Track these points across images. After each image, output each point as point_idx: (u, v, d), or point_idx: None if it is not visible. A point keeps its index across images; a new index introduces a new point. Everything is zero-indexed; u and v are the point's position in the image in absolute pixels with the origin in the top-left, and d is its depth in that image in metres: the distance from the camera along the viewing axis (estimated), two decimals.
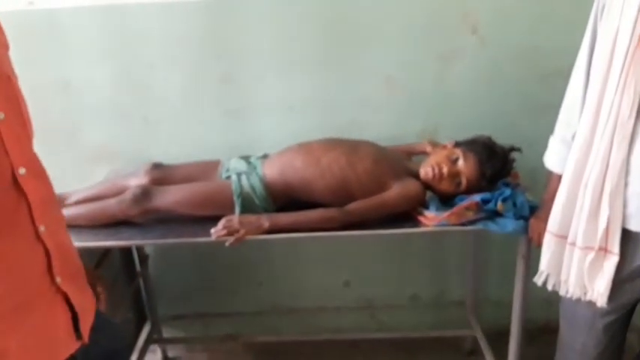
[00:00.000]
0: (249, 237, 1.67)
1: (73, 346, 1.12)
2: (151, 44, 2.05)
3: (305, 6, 2.03)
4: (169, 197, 1.75)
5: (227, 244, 1.66)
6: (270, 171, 1.81)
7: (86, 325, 1.15)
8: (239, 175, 1.81)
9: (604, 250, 1.35)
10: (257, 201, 1.77)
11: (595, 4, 1.40)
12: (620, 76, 1.27)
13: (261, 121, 2.16)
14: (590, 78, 1.40)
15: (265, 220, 1.70)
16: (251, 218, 1.71)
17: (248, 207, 1.76)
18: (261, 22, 2.04)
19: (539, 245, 1.54)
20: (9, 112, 0.97)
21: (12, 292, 0.99)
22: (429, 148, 1.91)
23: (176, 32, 2.05)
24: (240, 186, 1.78)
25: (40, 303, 1.04)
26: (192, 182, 1.83)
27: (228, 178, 1.83)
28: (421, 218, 1.72)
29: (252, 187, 1.78)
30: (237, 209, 1.76)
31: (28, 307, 1.02)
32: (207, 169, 1.92)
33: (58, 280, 1.07)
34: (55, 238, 1.07)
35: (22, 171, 0.99)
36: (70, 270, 1.12)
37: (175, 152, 2.10)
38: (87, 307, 1.16)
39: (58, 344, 1.09)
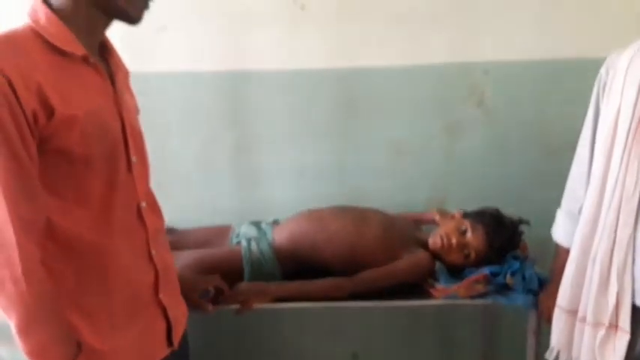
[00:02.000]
0: (257, 305, 1.67)
1: (165, 351, 1.30)
2: (168, 112, 2.12)
3: (317, 79, 2.11)
4: (180, 262, 1.76)
5: (235, 312, 1.66)
6: (280, 237, 1.83)
7: (177, 334, 1.33)
8: (249, 240, 1.83)
9: (615, 327, 1.33)
10: (266, 267, 1.78)
11: (597, 83, 1.46)
12: (623, 154, 1.30)
13: (272, 187, 2.20)
14: (595, 153, 1.43)
15: (274, 288, 1.70)
16: (259, 286, 1.72)
17: (257, 273, 1.77)
18: (275, 92, 2.12)
19: (549, 320, 1.53)
20: (140, 157, 1.22)
21: (128, 301, 1.19)
22: (437, 218, 1.93)
23: (193, 101, 2.13)
24: (250, 252, 1.80)
25: (145, 313, 1.24)
26: (203, 247, 1.86)
27: (239, 243, 1.85)
28: (431, 290, 1.71)
29: (262, 253, 1.79)
30: (246, 275, 1.77)
31: (137, 315, 1.22)
32: (219, 234, 1.94)
33: (161, 295, 1.26)
34: (163, 261, 1.28)
35: (143, 204, 1.22)
36: (171, 287, 1.31)
37: (188, 217, 2.13)
38: (180, 319, 1.35)
39: (155, 348, 1.28)
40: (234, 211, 2.17)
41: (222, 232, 1.95)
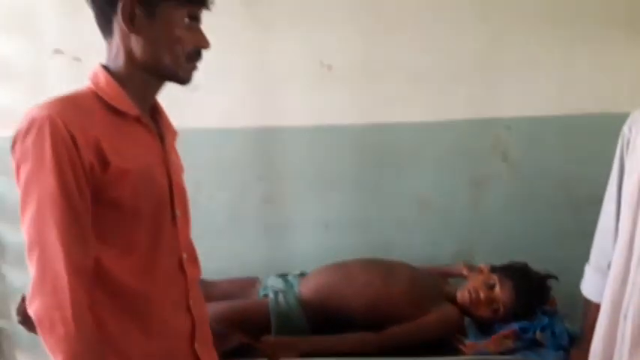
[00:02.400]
0: (285, 359, 1.68)
1: None
2: (199, 166, 2.19)
3: (343, 134, 2.18)
4: (209, 314, 1.78)
5: None
6: (307, 289, 1.85)
7: None
8: (276, 293, 1.85)
9: None
10: (293, 319, 1.79)
11: (620, 139, 1.48)
12: None
13: (299, 239, 2.23)
14: (622, 209, 1.44)
15: (301, 342, 1.71)
16: (287, 340, 1.73)
17: (284, 325, 1.79)
18: (302, 148, 2.19)
19: None
20: (183, 211, 1.28)
21: (166, 350, 1.23)
22: (465, 271, 1.94)
23: (223, 156, 2.21)
24: (277, 304, 1.82)
25: None
26: (231, 299, 1.88)
27: (266, 296, 1.87)
28: (460, 346, 1.71)
29: (289, 306, 1.81)
30: (273, 328, 1.78)
31: None
32: (246, 286, 1.97)
33: (196, 345, 1.29)
34: (199, 311, 1.31)
35: (184, 256, 1.27)
36: (205, 337, 1.34)
37: (215, 267, 2.15)
38: None
39: None
40: (261, 263, 2.20)
41: (249, 284, 1.97)
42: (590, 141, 2.08)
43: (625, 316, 1.35)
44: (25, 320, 1.63)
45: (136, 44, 1.16)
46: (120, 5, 1.13)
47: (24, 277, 2.18)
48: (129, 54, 1.17)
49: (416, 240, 2.20)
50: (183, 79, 1.21)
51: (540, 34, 2.10)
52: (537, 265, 1.89)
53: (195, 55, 1.19)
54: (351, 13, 2.11)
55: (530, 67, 2.12)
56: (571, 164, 2.11)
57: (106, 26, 1.18)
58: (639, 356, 1.32)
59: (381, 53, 2.13)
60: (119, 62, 1.18)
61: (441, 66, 2.13)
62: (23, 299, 1.71)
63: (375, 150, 2.19)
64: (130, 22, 1.14)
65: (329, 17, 2.11)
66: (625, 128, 1.48)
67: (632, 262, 1.35)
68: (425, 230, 2.20)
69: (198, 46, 1.19)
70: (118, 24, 1.15)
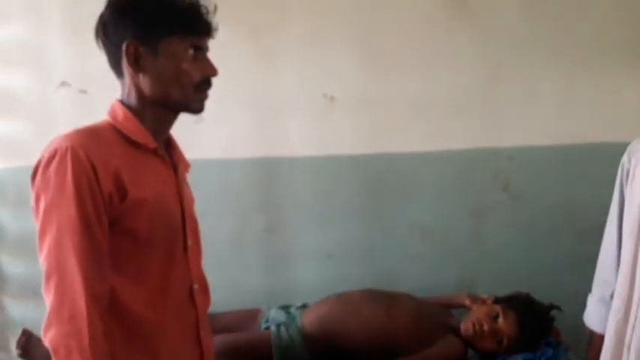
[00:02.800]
0: None
1: None
2: (202, 195, 2.19)
3: (345, 164, 2.20)
4: None
5: None
6: (309, 322, 1.84)
7: None
8: (278, 326, 1.85)
9: None
10: (295, 352, 1.78)
11: (620, 169, 1.49)
12: None
13: (301, 269, 2.23)
14: (623, 239, 1.44)
15: None
16: None
17: (287, 358, 1.77)
18: (305, 177, 2.21)
19: None
20: (195, 241, 1.30)
21: None
22: (467, 302, 1.93)
23: (226, 186, 2.22)
24: (280, 337, 1.81)
25: None
26: (232, 332, 1.87)
27: (268, 328, 1.86)
28: None
29: (291, 339, 1.80)
30: None
31: None
32: (248, 318, 1.96)
33: None
34: (208, 342, 1.32)
35: (195, 286, 1.28)
36: None
37: (216, 298, 2.13)
38: None
39: None
40: (263, 293, 2.19)
41: (251, 316, 1.96)
42: (590, 169, 2.09)
43: (629, 348, 1.34)
44: (25, 354, 1.63)
45: (145, 82, 1.19)
46: (123, 48, 1.16)
47: (24, 310, 2.19)
48: (139, 92, 1.20)
49: (418, 270, 2.19)
50: (196, 110, 1.24)
51: (539, 63, 2.14)
52: (540, 294, 1.89)
53: (204, 85, 1.22)
54: (353, 46, 2.15)
55: (530, 97, 2.15)
56: (572, 193, 2.12)
57: (117, 67, 1.22)
58: None
59: (383, 85, 2.17)
60: (132, 100, 1.22)
61: (442, 97, 2.17)
62: (24, 332, 1.71)
63: (377, 180, 2.20)
64: (135, 62, 1.18)
65: (332, 50, 2.15)
66: (624, 158, 1.49)
67: (634, 293, 1.35)
68: (427, 260, 2.19)
69: (205, 75, 1.21)
70: (125, 65, 1.19)
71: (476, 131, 2.17)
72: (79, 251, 1.09)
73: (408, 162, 2.19)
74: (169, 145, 1.32)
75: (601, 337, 1.47)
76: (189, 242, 1.27)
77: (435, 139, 2.18)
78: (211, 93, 2.21)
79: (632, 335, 1.34)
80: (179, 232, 1.25)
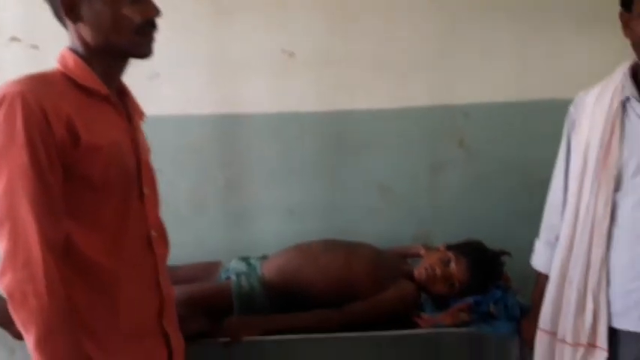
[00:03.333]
0: (246, 338, 1.70)
1: None
2: (160, 153, 2.18)
3: (305, 121, 2.21)
4: None
5: (223, 345, 1.68)
6: (269, 271, 1.87)
7: None
8: (238, 275, 1.87)
9: (593, 346, 1.38)
10: (256, 301, 1.81)
11: (567, 119, 1.57)
12: (593, 181, 1.39)
13: (261, 225, 2.25)
14: (569, 183, 1.52)
15: (262, 321, 1.74)
16: (248, 319, 1.75)
17: (247, 307, 1.80)
18: (265, 135, 2.21)
19: (532, 346, 1.57)
20: (151, 190, 1.31)
21: (135, 325, 1.25)
22: (422, 251, 1.99)
23: (185, 142, 2.21)
24: (240, 286, 1.83)
25: (150, 338, 1.29)
26: (192, 283, 1.88)
27: (228, 278, 1.88)
28: (417, 320, 1.76)
29: (251, 288, 1.83)
30: (236, 310, 1.80)
31: (142, 339, 1.27)
32: (208, 270, 1.97)
33: (164, 322, 1.31)
34: (167, 289, 1.34)
35: (153, 233, 1.30)
36: (172, 316, 1.37)
37: (177, 254, 2.14)
38: (179, 348, 1.39)
39: None
40: (224, 250, 2.19)
41: (211, 268, 1.98)
42: (542, 125, 2.15)
43: (571, 282, 1.42)
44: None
45: (85, 31, 1.18)
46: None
47: None
48: (83, 41, 1.19)
49: (377, 224, 2.24)
50: (143, 54, 1.23)
51: (496, 22, 2.18)
52: (493, 246, 1.95)
53: (146, 27, 1.19)
54: (312, 1, 2.14)
55: (485, 55, 2.20)
56: (524, 148, 2.19)
57: (60, 18, 1.20)
58: (582, 320, 1.39)
59: (342, 41, 2.18)
60: (79, 48, 1.20)
61: (401, 54, 2.19)
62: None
63: (337, 136, 2.23)
64: (72, 11, 1.16)
65: (290, 5, 2.14)
66: (571, 108, 1.56)
67: (577, 231, 1.42)
68: (385, 214, 2.24)
69: (145, 17, 1.19)
70: (63, 15, 1.18)
71: (433, 88, 2.21)
72: (32, 197, 1.08)
73: (368, 119, 2.21)
74: (123, 94, 1.31)
75: (546, 277, 1.56)
76: (146, 190, 1.28)
77: (395, 96, 2.21)
78: (167, 49, 2.19)
79: (573, 271, 1.41)
80: (134, 180, 1.25)
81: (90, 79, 1.19)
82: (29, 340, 1.09)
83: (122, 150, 1.22)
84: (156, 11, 1.21)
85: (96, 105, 1.20)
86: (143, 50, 1.22)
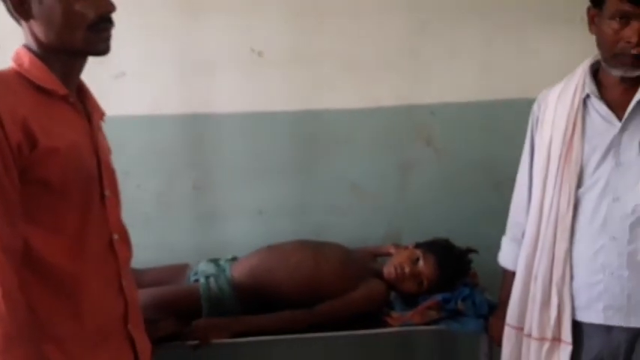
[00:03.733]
0: (216, 340, 1.68)
1: None
2: (127, 154, 2.15)
3: (274, 121, 2.19)
4: (139, 300, 1.76)
5: (193, 348, 1.66)
6: (239, 273, 1.85)
7: None
8: (207, 278, 1.85)
9: (558, 340, 1.40)
10: (225, 303, 1.79)
11: (531, 117, 1.59)
12: (556, 177, 1.42)
13: (231, 226, 2.22)
14: (533, 180, 1.54)
15: (232, 323, 1.72)
16: (217, 321, 1.73)
17: (216, 309, 1.78)
18: (234, 134, 2.19)
19: (499, 343, 1.59)
20: (112, 192, 1.28)
21: (99, 329, 1.22)
22: (392, 250, 2.00)
23: (152, 143, 2.17)
24: (209, 289, 1.81)
25: (114, 342, 1.27)
26: (161, 286, 1.86)
27: (197, 281, 1.86)
28: (387, 319, 1.77)
29: (221, 290, 1.81)
30: (205, 312, 1.78)
31: (107, 344, 1.24)
32: (176, 272, 1.95)
33: (129, 326, 1.29)
34: (131, 293, 1.32)
35: (115, 236, 1.27)
36: (138, 319, 1.35)
37: (145, 257, 2.11)
38: (146, 352, 1.38)
39: None
40: (193, 251, 2.17)
41: (179, 271, 1.95)
42: (508, 124, 2.16)
43: (536, 277, 1.45)
44: None
45: (38, 29, 1.15)
46: None
47: None
48: (36, 39, 1.16)
49: (348, 224, 2.24)
50: (98, 51, 1.19)
51: (463, 22, 2.20)
52: (462, 243, 1.97)
53: (100, 23, 1.16)
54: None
55: (452, 56, 2.22)
56: (490, 146, 2.21)
57: (13, 15, 1.17)
58: (548, 314, 1.41)
59: (311, 40, 2.17)
60: (34, 46, 1.17)
61: (370, 53, 2.20)
62: None
63: (307, 136, 2.22)
64: (22, 8, 1.13)
65: (259, 3, 2.13)
66: (534, 106, 1.59)
67: (541, 227, 1.45)
68: (356, 214, 2.24)
69: (99, 13, 1.15)
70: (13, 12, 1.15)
71: (402, 88, 2.22)
72: None
73: (337, 118, 2.21)
74: (82, 93, 1.28)
75: (513, 274, 1.58)
76: (107, 192, 1.25)
77: (364, 95, 2.21)
78: (134, 47, 2.16)
79: (538, 266, 1.44)
80: (95, 182, 1.23)
81: (46, 78, 1.15)
82: None
83: (81, 151, 1.20)
84: (110, 6, 1.17)
85: (53, 105, 1.17)
86: (98, 47, 1.18)
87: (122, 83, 2.12)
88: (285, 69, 2.18)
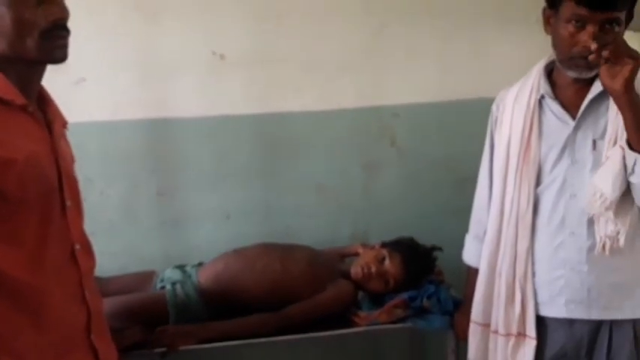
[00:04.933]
0: (184, 347, 1.67)
1: None
2: (89, 160, 2.11)
3: (238, 124, 2.19)
4: (104, 309, 1.73)
5: (160, 355, 1.64)
6: (205, 278, 1.84)
7: None
8: (174, 284, 1.83)
9: (523, 335, 1.45)
10: (192, 309, 1.78)
11: (490, 117, 1.63)
12: (515, 175, 1.46)
13: (197, 231, 2.21)
14: (493, 179, 1.58)
15: (199, 329, 1.71)
16: (185, 328, 1.72)
17: (183, 316, 1.77)
18: (197, 138, 2.18)
19: (465, 339, 1.62)
20: (74, 202, 1.26)
21: (60, 342, 1.20)
22: (360, 250, 2.02)
23: (114, 149, 2.14)
24: (175, 295, 1.79)
25: (77, 354, 1.24)
26: (126, 294, 1.83)
27: (163, 288, 1.84)
28: (354, 318, 1.78)
29: (187, 296, 1.79)
30: (172, 319, 1.76)
31: (69, 355, 1.22)
32: (142, 280, 1.92)
33: (92, 336, 1.26)
34: (95, 302, 1.30)
35: (77, 247, 1.25)
36: (102, 329, 1.32)
37: (109, 265, 2.08)
38: None
39: None
40: (159, 258, 2.15)
41: (145, 278, 1.93)
42: (468, 124, 2.19)
43: (500, 274, 1.48)
44: None
45: None
46: None
47: None
48: None
49: (314, 225, 2.25)
50: (53, 59, 1.16)
51: (420, 25, 2.23)
52: (426, 241, 2.01)
53: (53, 30, 1.13)
54: (241, 2, 2.13)
55: (412, 57, 2.25)
56: (452, 145, 2.26)
57: None
58: (512, 310, 1.45)
59: (273, 42, 2.17)
60: None
61: (331, 55, 2.21)
62: None
63: (270, 139, 2.22)
64: None
65: (219, 6, 2.11)
66: (493, 107, 1.63)
67: (503, 224, 1.49)
68: (322, 215, 2.25)
69: (52, 20, 1.12)
70: None
71: (363, 90, 2.24)
72: None
73: (301, 121, 2.22)
74: (43, 101, 1.24)
75: (477, 271, 1.61)
76: (68, 203, 1.23)
77: (326, 97, 2.23)
78: (93, 53, 2.12)
79: (502, 263, 1.48)
80: (55, 193, 1.20)
81: (4, 88, 1.12)
82: None
83: (41, 162, 1.17)
84: (61, 13, 1.14)
85: (11, 116, 1.13)
86: (54, 55, 1.15)
87: (82, 89, 2.08)
88: (247, 72, 2.17)
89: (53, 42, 1.14)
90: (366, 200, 2.26)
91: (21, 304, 1.14)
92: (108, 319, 1.72)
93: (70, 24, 1.20)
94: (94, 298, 1.30)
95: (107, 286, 1.90)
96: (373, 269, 1.84)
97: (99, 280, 1.93)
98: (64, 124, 1.33)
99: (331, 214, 2.26)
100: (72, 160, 1.35)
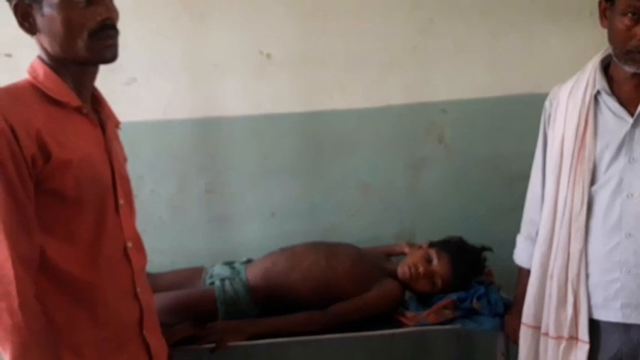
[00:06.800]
0: (232, 343, 1.69)
1: None
2: (140, 159, 2.17)
3: (284, 122, 2.20)
4: (155, 305, 1.77)
5: (210, 351, 1.67)
6: (254, 275, 1.86)
7: None
8: (222, 280, 1.86)
9: (575, 338, 1.40)
10: (240, 306, 1.80)
11: (543, 114, 1.58)
12: (569, 175, 1.41)
13: (244, 228, 2.23)
14: (546, 178, 1.54)
15: (248, 326, 1.73)
16: (234, 324, 1.74)
17: (232, 312, 1.79)
18: (244, 137, 2.20)
19: (516, 341, 1.58)
20: (127, 201, 1.30)
21: (114, 336, 1.24)
22: (406, 249, 2.00)
23: (164, 148, 2.19)
24: (224, 292, 1.82)
25: (130, 348, 1.29)
26: (176, 290, 1.87)
27: (212, 284, 1.87)
28: (402, 318, 1.77)
29: (236, 292, 1.82)
30: (221, 315, 1.79)
31: (123, 349, 1.26)
32: (191, 276, 1.96)
33: (145, 332, 1.31)
34: (146, 299, 1.34)
35: (129, 244, 1.29)
36: (153, 325, 1.37)
37: (160, 261, 2.14)
38: (162, 356, 1.40)
39: None
40: (207, 255, 2.19)
41: (194, 274, 1.96)
42: (518, 120, 2.17)
43: (551, 276, 1.44)
44: None
45: (44, 41, 1.17)
46: (14, 11, 1.14)
47: None
48: (46, 51, 1.18)
49: (359, 223, 2.24)
50: (103, 59, 1.20)
51: (469, 20, 2.19)
52: (474, 241, 1.97)
53: (102, 30, 1.16)
54: (287, 1, 2.14)
55: (461, 53, 2.20)
56: (502, 143, 2.20)
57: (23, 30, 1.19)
58: (564, 313, 1.41)
59: (318, 41, 2.17)
60: (46, 58, 1.19)
61: (377, 53, 2.19)
62: None
63: (316, 137, 2.22)
64: (27, 22, 1.15)
65: (266, 6, 2.13)
66: (546, 103, 1.58)
67: (556, 225, 1.44)
68: (367, 213, 2.24)
69: (100, 20, 1.16)
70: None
71: (410, 86, 2.21)
72: (4, 215, 1.08)
73: (346, 119, 2.21)
74: (96, 102, 1.29)
75: (528, 272, 1.57)
76: (121, 202, 1.28)
77: (372, 95, 2.21)
78: (143, 54, 2.17)
79: (554, 264, 1.43)
80: (109, 191, 1.25)
81: (60, 90, 1.17)
82: (6, 357, 1.08)
83: (95, 162, 1.21)
84: (109, 13, 1.18)
85: (67, 117, 1.18)
86: (103, 55, 1.19)
87: (133, 89, 2.13)
88: (293, 70, 2.18)
89: (102, 42, 1.18)
90: (412, 199, 2.24)
91: (78, 299, 1.19)
92: (158, 314, 1.78)
93: (121, 26, 1.24)
94: (145, 295, 1.34)
95: (157, 282, 1.94)
96: (421, 269, 1.82)
97: (149, 276, 1.99)
98: (117, 124, 1.37)
99: (376, 212, 2.24)
100: (124, 159, 1.39)
